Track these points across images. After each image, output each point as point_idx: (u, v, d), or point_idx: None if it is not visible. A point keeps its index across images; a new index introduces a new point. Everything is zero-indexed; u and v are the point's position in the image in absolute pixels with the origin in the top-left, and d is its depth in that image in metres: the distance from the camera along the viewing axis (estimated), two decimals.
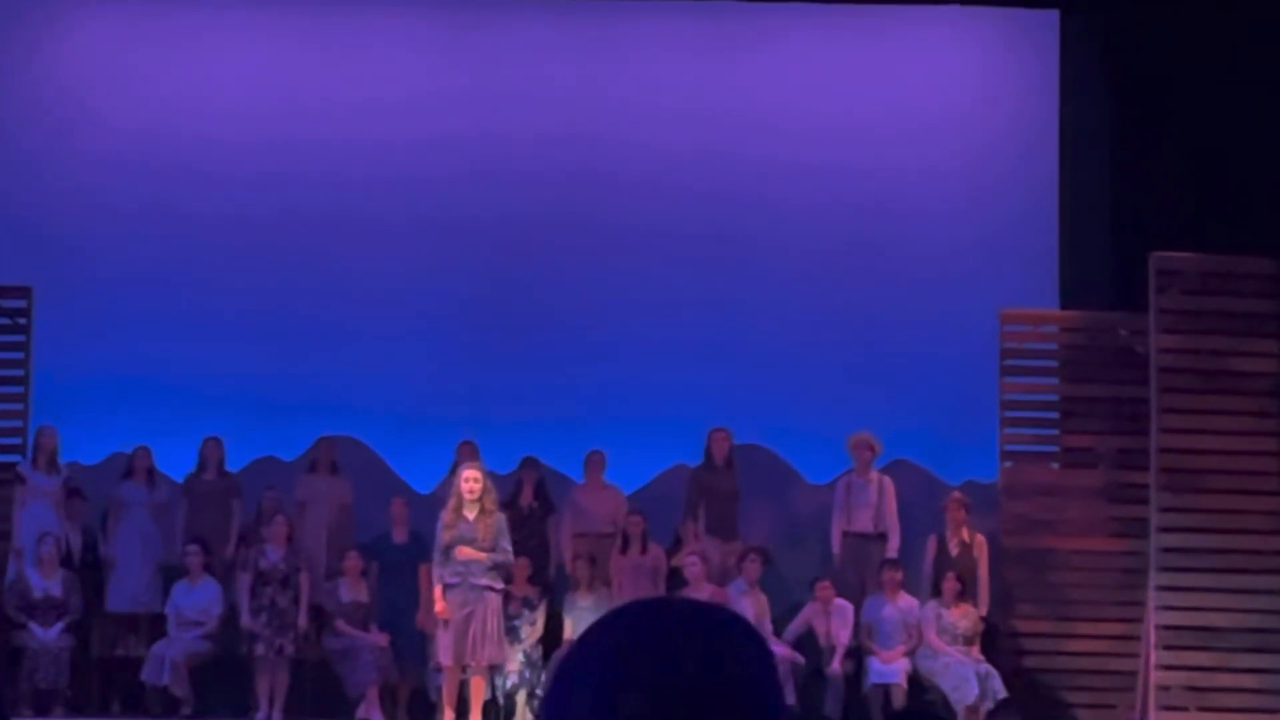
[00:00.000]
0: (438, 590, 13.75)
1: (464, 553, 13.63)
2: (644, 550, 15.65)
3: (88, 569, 15.69)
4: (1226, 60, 15.81)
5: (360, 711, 14.99)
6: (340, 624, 15.24)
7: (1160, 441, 14.70)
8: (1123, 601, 15.19)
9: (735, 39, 17.68)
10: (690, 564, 15.19)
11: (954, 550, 15.44)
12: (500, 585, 13.89)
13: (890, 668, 14.91)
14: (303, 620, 15.20)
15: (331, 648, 15.28)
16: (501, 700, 15.11)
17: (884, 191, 17.39)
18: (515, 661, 15.03)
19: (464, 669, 13.78)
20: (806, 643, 15.17)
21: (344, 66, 17.64)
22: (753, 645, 1.81)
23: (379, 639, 15.14)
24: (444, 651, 13.67)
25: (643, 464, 16.94)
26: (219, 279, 17.33)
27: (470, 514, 13.68)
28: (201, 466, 16.22)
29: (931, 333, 17.08)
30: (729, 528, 16.04)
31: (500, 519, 13.88)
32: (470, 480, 13.75)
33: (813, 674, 15.10)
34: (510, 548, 13.97)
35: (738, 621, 1.83)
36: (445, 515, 13.79)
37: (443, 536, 13.69)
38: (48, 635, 15.07)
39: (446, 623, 13.68)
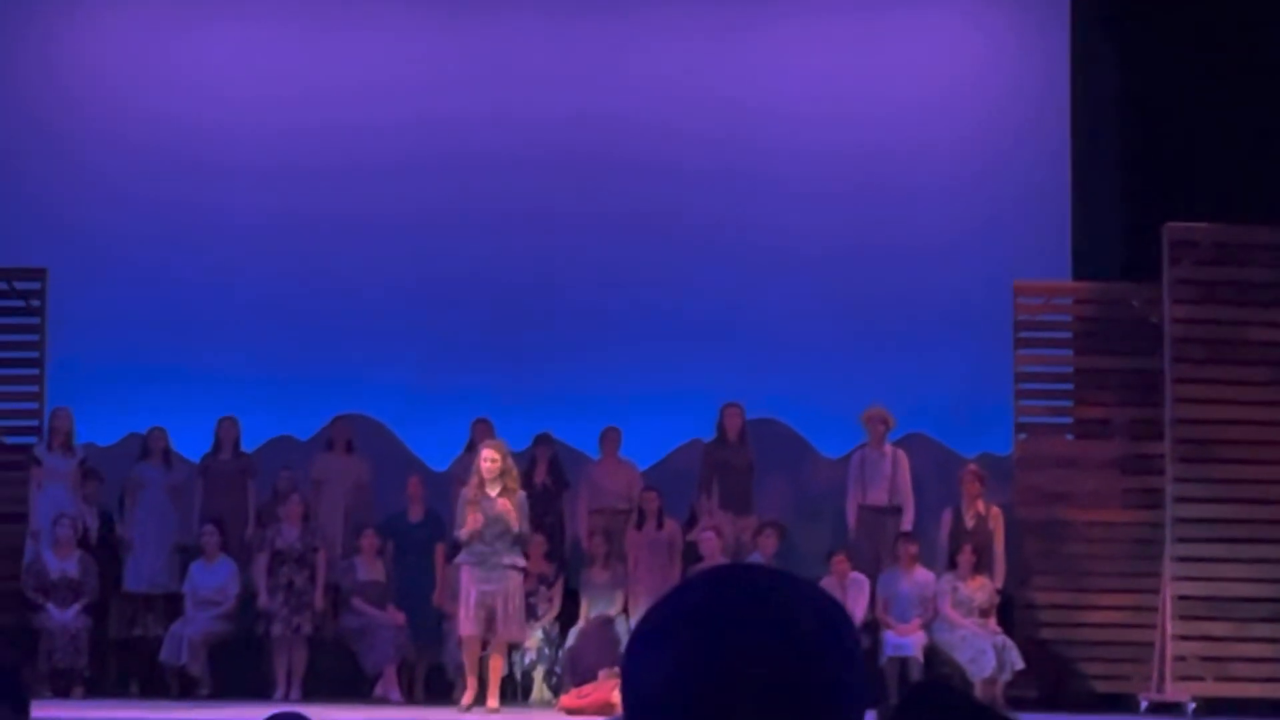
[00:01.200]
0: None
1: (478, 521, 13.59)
2: (660, 526, 15.66)
3: (104, 550, 15.74)
4: (1237, 30, 15.77)
5: (378, 690, 15.03)
6: (357, 602, 15.27)
7: (1175, 412, 14.69)
8: (1138, 572, 15.19)
9: (741, 17, 17.64)
10: (706, 539, 15.20)
11: (969, 523, 15.44)
12: (523, 563, 13.89)
13: (906, 640, 14.92)
14: (319, 600, 15.24)
15: (348, 626, 15.31)
16: (519, 677, 15.14)
17: (896, 165, 17.36)
18: (533, 639, 15.05)
19: (484, 644, 13.79)
20: None
21: (354, 52, 17.62)
22: (844, 633, 1.79)
23: (396, 617, 15.17)
24: (465, 622, 13.67)
25: (657, 440, 16.95)
26: (233, 259, 17.34)
27: (493, 491, 13.67)
28: (217, 447, 16.25)
29: (945, 305, 17.07)
30: (743, 502, 16.04)
31: (522, 497, 13.87)
32: (488, 460, 13.73)
33: None
34: (528, 527, 13.96)
35: (833, 604, 1.81)
36: (468, 491, 13.77)
37: (466, 513, 13.67)
38: (65, 616, 15.11)
39: (469, 598, 13.66)
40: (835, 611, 1.79)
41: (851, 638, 1.78)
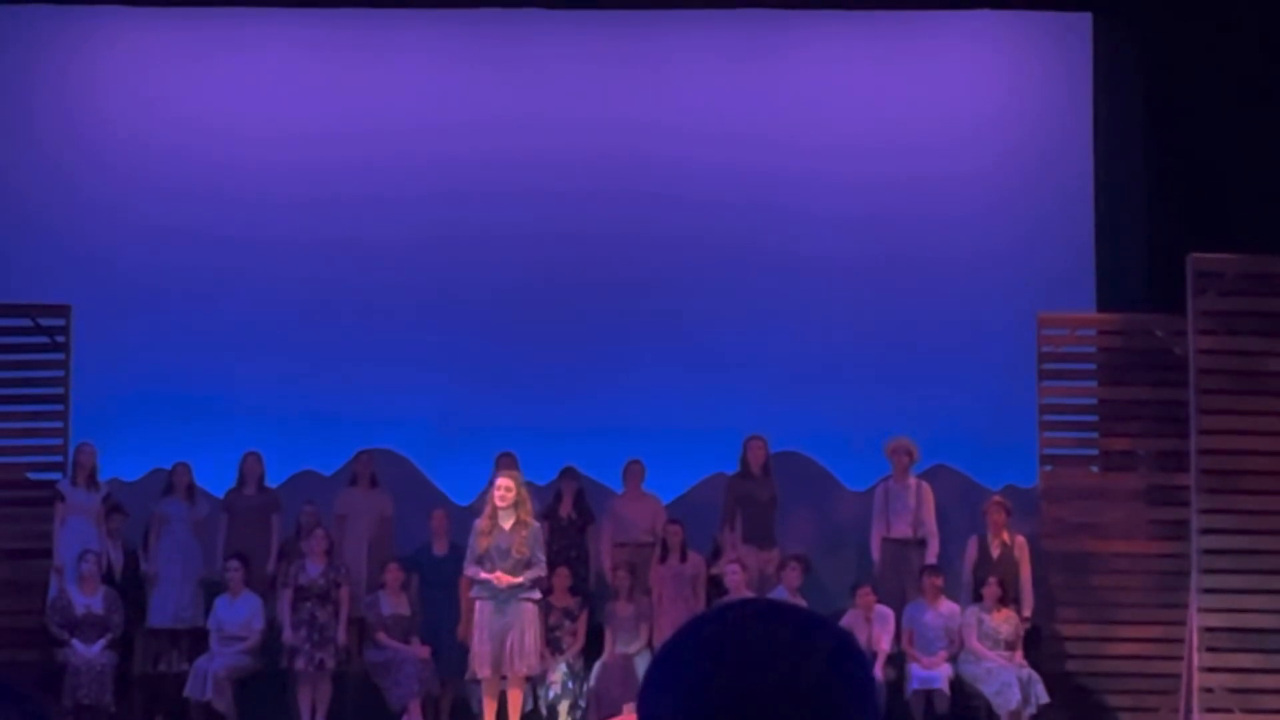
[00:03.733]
0: (466, 599, 13.76)
1: (502, 579, 13.62)
2: (683, 559, 15.64)
3: (129, 585, 15.74)
4: (1260, 59, 15.76)
5: None
6: (381, 636, 15.26)
7: (1200, 443, 14.64)
8: (1165, 604, 15.13)
9: (765, 49, 17.67)
10: (730, 572, 15.18)
11: (995, 552, 15.40)
12: (537, 595, 13.87)
13: (932, 674, 14.88)
14: (343, 635, 15.23)
15: (373, 660, 15.30)
16: (545, 711, 15.11)
17: (919, 197, 17.36)
18: (558, 672, 15.03)
19: (502, 679, 13.77)
20: None
21: (377, 87, 17.67)
22: (852, 665, 1.79)
23: (420, 651, 15.15)
24: (480, 663, 13.66)
25: (681, 473, 16.94)
26: (256, 295, 17.38)
27: (506, 523, 13.65)
28: (242, 482, 16.26)
29: (969, 338, 17.05)
30: (766, 535, 16.02)
31: (535, 529, 13.84)
32: (502, 489, 13.71)
33: None
34: (544, 559, 13.94)
35: (841, 637, 1.81)
36: (480, 523, 13.76)
37: (478, 544, 13.66)
38: (90, 652, 15.11)
39: (483, 634, 13.66)
40: (847, 645, 1.79)
41: (863, 671, 1.79)
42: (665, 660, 1.78)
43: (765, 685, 1.72)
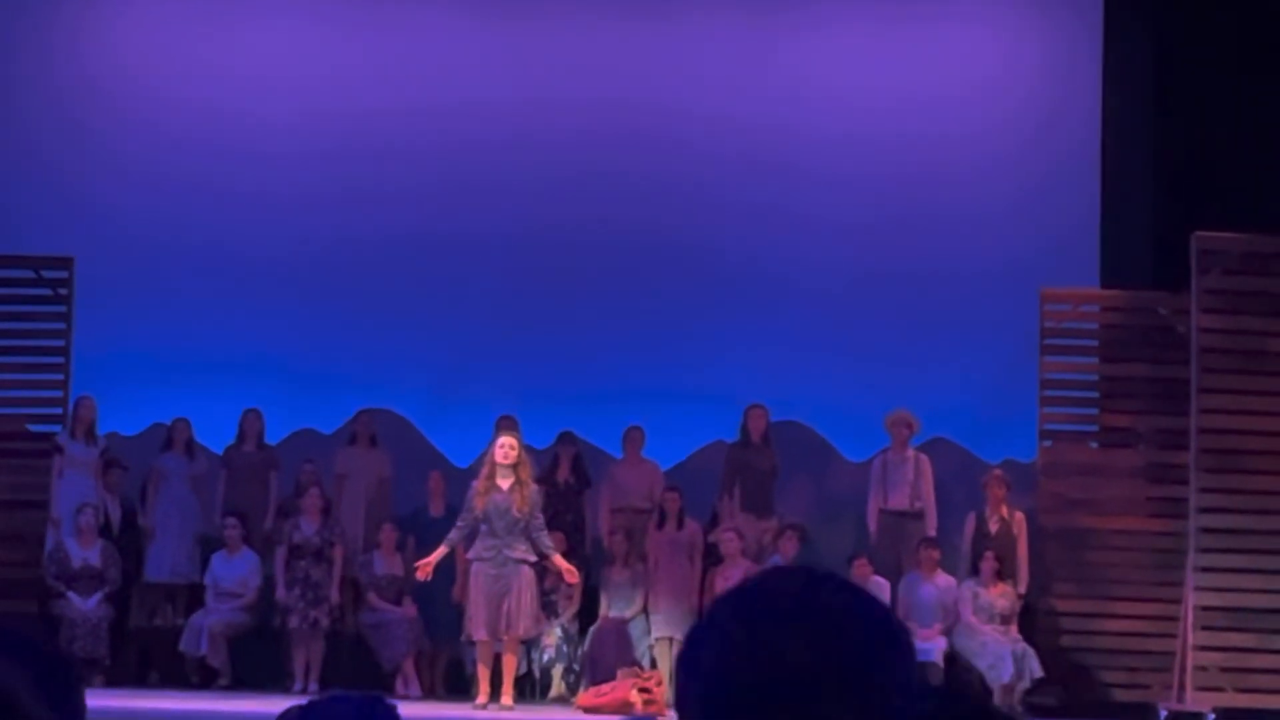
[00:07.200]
0: (441, 550, 13.72)
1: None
2: (680, 526, 15.65)
3: (126, 539, 15.76)
4: (1271, 37, 15.73)
5: (398, 686, 15.01)
6: (373, 597, 15.28)
7: (1200, 422, 14.64)
8: (1161, 582, 15.13)
9: (780, 6, 17.62)
10: (726, 540, 15.20)
11: (993, 527, 15.42)
12: (533, 558, 13.83)
13: (927, 646, 14.88)
14: (335, 594, 15.24)
15: (365, 621, 15.32)
16: (538, 674, 15.14)
17: (924, 170, 17.33)
18: (552, 636, 15.05)
19: (497, 642, 13.77)
20: None
21: (383, 38, 17.63)
22: (887, 639, 1.78)
23: (410, 611, 15.16)
24: (476, 625, 13.65)
25: (680, 440, 16.93)
26: (260, 251, 17.35)
27: (504, 483, 13.58)
28: (241, 439, 16.27)
29: (971, 311, 17.03)
30: (765, 504, 16.03)
31: (535, 491, 13.78)
32: (506, 446, 13.64)
33: None
34: (540, 518, 13.83)
35: (876, 608, 1.80)
36: (478, 483, 13.69)
37: (475, 503, 13.59)
38: (86, 605, 15.13)
39: (479, 597, 13.65)
40: (886, 614, 1.78)
41: (904, 646, 1.78)
42: (705, 623, 1.78)
43: (801, 660, 1.71)
